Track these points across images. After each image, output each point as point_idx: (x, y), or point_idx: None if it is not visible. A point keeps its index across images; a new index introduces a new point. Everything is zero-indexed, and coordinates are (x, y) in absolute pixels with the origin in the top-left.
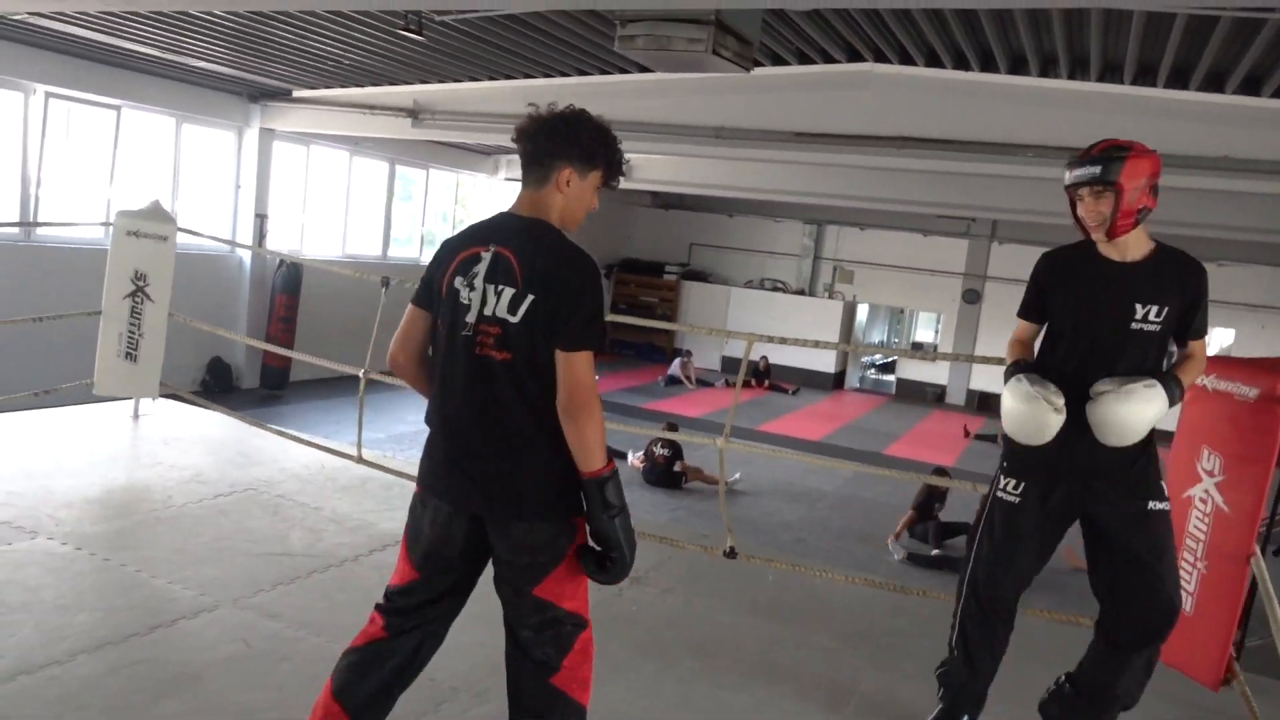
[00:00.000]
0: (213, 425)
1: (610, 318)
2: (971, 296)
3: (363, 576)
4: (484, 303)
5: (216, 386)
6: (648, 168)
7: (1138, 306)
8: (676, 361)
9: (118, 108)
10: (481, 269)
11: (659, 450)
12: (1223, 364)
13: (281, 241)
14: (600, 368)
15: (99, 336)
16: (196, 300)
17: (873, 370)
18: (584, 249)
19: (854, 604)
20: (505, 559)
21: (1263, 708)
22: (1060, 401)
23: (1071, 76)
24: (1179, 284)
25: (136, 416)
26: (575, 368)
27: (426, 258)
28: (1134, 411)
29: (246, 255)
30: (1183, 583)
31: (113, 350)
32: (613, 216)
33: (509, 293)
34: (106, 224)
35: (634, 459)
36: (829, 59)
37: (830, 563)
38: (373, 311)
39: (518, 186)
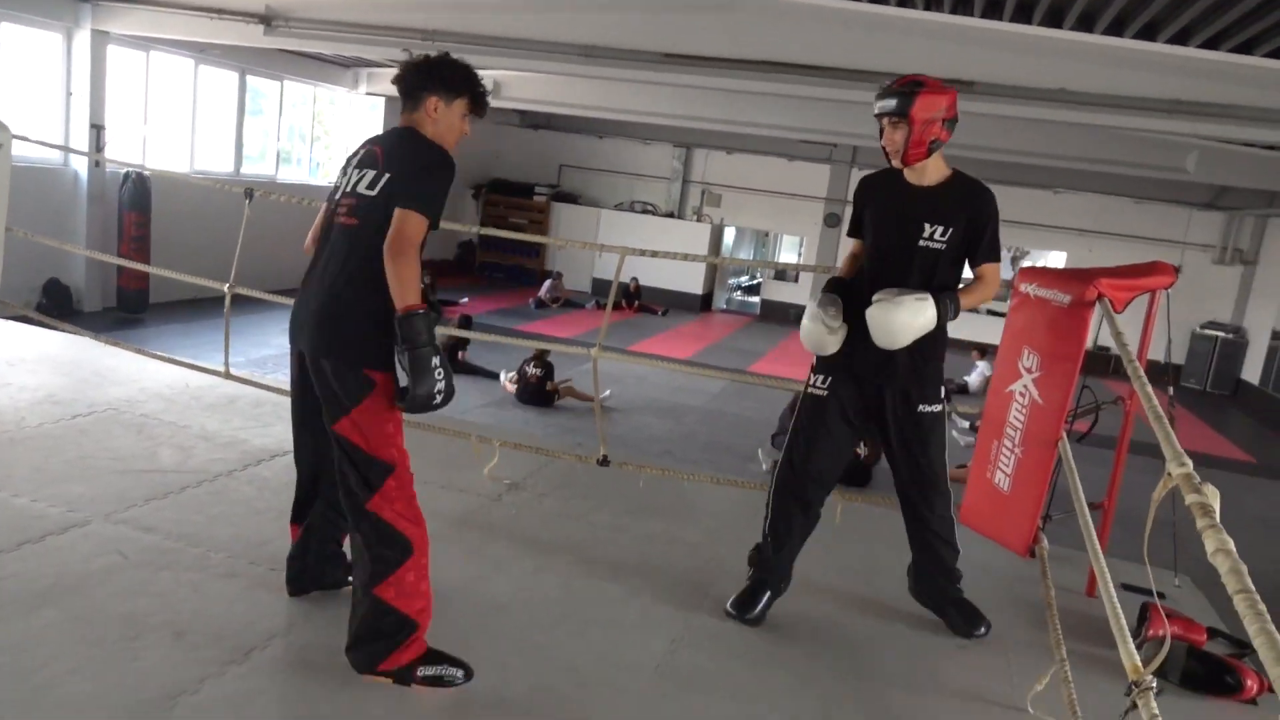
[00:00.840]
0: (60, 346)
1: (483, 231)
2: (832, 220)
3: (239, 490)
4: (348, 183)
5: (55, 310)
6: (515, 86)
7: (926, 225)
8: (547, 283)
9: None
10: (355, 160)
11: (531, 370)
12: (1043, 274)
13: (122, 156)
14: (470, 291)
15: None
16: (28, 218)
17: (739, 292)
18: (448, 152)
19: (720, 504)
20: (319, 394)
21: (1057, 570)
22: (836, 323)
23: (927, 8)
24: (964, 207)
25: None
26: (404, 222)
27: (283, 175)
28: (899, 319)
29: (83, 169)
30: (1001, 466)
31: None
32: (481, 136)
33: (370, 174)
34: None
35: (506, 381)
36: None
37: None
38: (232, 229)
39: (380, 101)
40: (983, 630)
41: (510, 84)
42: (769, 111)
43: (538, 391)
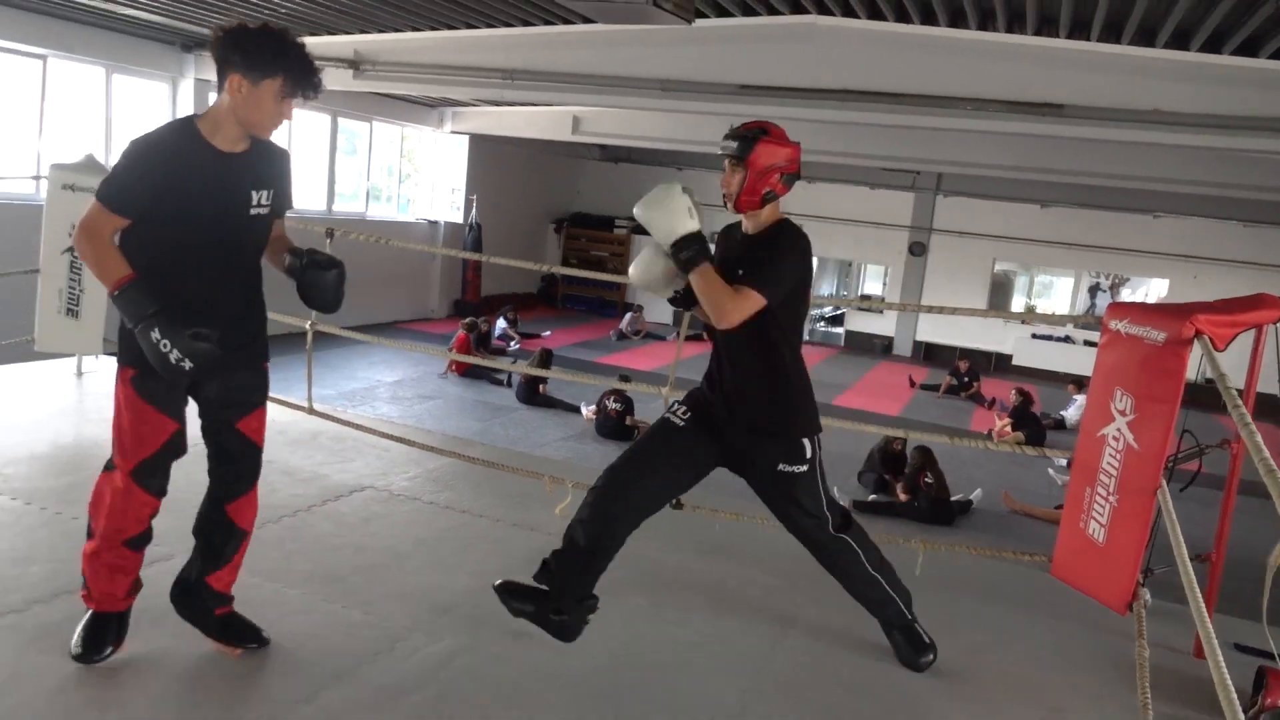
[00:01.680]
0: None
1: (558, 270)
2: (917, 249)
3: (316, 525)
4: None
5: None
6: (595, 120)
7: (739, 272)
8: (628, 315)
9: (44, 57)
10: None
11: (611, 404)
12: (1134, 309)
13: None
14: (552, 323)
15: (38, 293)
16: None
17: (822, 323)
18: (158, 137)
19: (796, 547)
20: (222, 394)
21: (1163, 628)
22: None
23: (1009, 30)
24: (770, 249)
25: (80, 373)
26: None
27: (372, 213)
28: (648, 215)
29: None
30: (1096, 515)
31: (53, 307)
32: (561, 170)
33: None
34: (38, 177)
35: (587, 412)
36: (773, 10)
37: None
38: None
39: (465, 139)
40: (930, 657)
41: (590, 119)
42: (849, 140)
43: (617, 426)
